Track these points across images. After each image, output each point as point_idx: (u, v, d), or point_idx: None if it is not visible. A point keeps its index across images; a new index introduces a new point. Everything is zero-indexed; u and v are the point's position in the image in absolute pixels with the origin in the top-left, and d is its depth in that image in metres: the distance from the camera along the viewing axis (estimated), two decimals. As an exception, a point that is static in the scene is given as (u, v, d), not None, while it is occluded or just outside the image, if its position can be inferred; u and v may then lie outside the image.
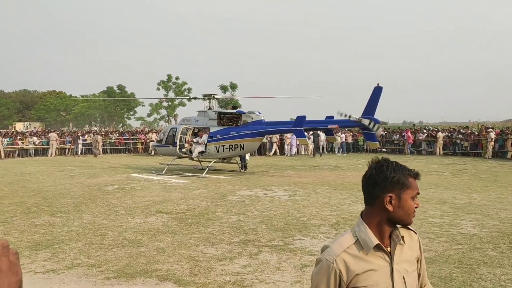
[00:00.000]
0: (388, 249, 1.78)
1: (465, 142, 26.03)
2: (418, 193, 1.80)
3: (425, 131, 29.62)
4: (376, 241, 1.74)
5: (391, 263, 1.75)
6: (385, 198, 1.73)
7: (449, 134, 27.67)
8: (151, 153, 29.37)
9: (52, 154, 29.58)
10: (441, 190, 12.52)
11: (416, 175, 1.79)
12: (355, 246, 1.74)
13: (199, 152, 17.47)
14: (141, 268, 5.91)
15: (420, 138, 28.44)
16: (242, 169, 18.52)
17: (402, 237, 1.81)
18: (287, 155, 28.00)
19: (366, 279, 1.70)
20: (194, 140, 17.70)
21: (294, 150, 28.84)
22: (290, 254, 6.51)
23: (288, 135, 26.90)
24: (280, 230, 8.00)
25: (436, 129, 29.56)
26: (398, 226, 1.81)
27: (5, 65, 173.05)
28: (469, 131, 27.22)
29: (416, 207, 1.79)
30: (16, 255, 0.84)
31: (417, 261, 1.88)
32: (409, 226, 1.85)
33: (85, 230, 8.11)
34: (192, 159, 18.15)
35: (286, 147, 28.65)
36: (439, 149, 26.39)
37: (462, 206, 10.09)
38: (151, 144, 27.51)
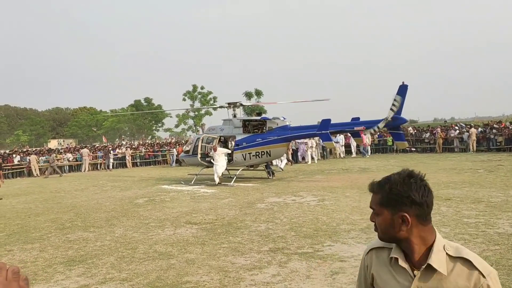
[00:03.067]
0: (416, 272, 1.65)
1: (499, 137, 25.15)
2: (371, 207, 1.75)
3: (456, 128, 28.81)
4: (395, 254, 1.69)
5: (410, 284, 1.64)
6: None
7: (483, 130, 26.79)
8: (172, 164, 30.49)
9: (85, 169, 30.42)
10: (475, 188, 12.12)
11: (370, 189, 1.77)
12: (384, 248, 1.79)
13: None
14: (171, 281, 5.95)
15: (452, 135, 27.68)
16: (270, 175, 18.47)
17: (429, 265, 1.61)
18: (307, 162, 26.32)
19: (382, 283, 1.76)
20: (210, 154, 17.41)
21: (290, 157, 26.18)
22: (320, 261, 6.42)
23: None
24: (309, 236, 7.91)
25: (469, 125, 28.74)
26: (438, 251, 1.62)
27: (37, 85, 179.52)
28: (503, 125, 26.30)
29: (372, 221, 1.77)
30: (26, 281, 0.88)
31: None
32: (476, 265, 1.57)
33: (117, 244, 8.25)
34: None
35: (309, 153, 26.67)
36: (473, 145, 25.62)
37: (499, 204, 9.72)
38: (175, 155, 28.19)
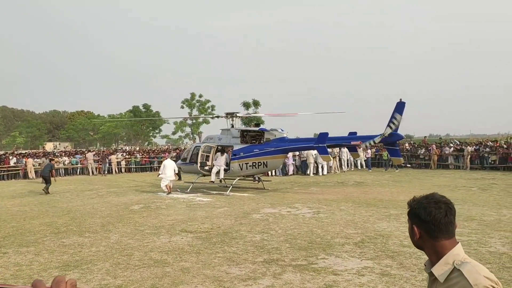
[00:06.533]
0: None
1: (493, 156, 25.34)
2: None
3: (451, 145, 29.06)
4: (426, 262, 1.98)
5: None
6: None
7: (476, 148, 26.99)
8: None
9: (91, 173, 30.60)
10: (468, 206, 12.24)
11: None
12: None
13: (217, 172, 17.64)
14: (166, 289, 6.00)
15: (447, 152, 27.91)
16: (257, 181, 18.66)
17: (430, 272, 1.90)
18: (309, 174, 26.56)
19: None
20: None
21: (291, 169, 26.82)
22: (314, 274, 6.50)
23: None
24: (303, 249, 7.99)
25: (465, 143, 29.03)
26: (443, 263, 1.86)
27: (35, 86, 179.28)
28: (497, 144, 26.52)
29: None
30: None
31: None
32: (465, 275, 1.75)
33: (112, 250, 8.29)
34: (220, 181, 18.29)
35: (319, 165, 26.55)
36: (466, 163, 25.83)
37: (491, 223, 9.84)
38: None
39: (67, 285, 0.93)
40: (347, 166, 28.94)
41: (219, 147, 18.39)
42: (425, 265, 1.98)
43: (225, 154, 17.85)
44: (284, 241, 8.67)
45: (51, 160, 22.79)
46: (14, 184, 25.10)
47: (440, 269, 1.84)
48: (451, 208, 1.91)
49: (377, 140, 15.76)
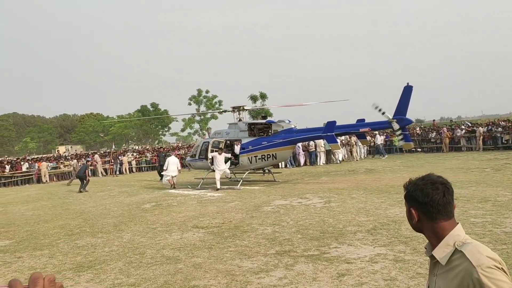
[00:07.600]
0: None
1: (506, 135, 24.96)
2: None
3: (463, 127, 28.67)
4: (426, 245, 1.92)
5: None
6: None
7: (488, 128, 26.61)
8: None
9: (99, 174, 30.86)
10: (482, 187, 12.07)
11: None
12: None
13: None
14: (179, 285, 6.00)
15: (458, 134, 27.55)
16: (267, 173, 18.61)
17: (431, 256, 1.85)
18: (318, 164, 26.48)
19: None
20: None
21: (302, 160, 26.66)
22: (326, 263, 6.45)
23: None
24: (315, 239, 7.94)
25: (477, 124, 28.69)
26: (443, 245, 1.80)
27: (44, 92, 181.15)
28: (510, 124, 26.10)
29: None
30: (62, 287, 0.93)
31: None
32: (468, 256, 1.68)
33: (125, 250, 8.32)
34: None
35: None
36: (479, 144, 25.48)
37: (506, 203, 9.68)
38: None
39: (45, 281, 0.89)
40: (367, 153, 29.05)
41: (227, 141, 18.34)
42: (425, 248, 1.92)
43: (223, 154, 17.21)
44: (296, 232, 8.62)
45: (87, 161, 25.48)
46: (28, 189, 25.39)
47: (441, 252, 1.78)
48: (449, 188, 1.84)
49: (395, 127, 15.52)
